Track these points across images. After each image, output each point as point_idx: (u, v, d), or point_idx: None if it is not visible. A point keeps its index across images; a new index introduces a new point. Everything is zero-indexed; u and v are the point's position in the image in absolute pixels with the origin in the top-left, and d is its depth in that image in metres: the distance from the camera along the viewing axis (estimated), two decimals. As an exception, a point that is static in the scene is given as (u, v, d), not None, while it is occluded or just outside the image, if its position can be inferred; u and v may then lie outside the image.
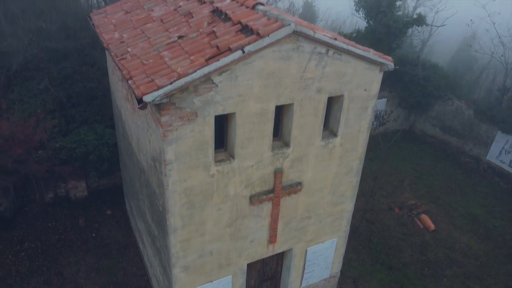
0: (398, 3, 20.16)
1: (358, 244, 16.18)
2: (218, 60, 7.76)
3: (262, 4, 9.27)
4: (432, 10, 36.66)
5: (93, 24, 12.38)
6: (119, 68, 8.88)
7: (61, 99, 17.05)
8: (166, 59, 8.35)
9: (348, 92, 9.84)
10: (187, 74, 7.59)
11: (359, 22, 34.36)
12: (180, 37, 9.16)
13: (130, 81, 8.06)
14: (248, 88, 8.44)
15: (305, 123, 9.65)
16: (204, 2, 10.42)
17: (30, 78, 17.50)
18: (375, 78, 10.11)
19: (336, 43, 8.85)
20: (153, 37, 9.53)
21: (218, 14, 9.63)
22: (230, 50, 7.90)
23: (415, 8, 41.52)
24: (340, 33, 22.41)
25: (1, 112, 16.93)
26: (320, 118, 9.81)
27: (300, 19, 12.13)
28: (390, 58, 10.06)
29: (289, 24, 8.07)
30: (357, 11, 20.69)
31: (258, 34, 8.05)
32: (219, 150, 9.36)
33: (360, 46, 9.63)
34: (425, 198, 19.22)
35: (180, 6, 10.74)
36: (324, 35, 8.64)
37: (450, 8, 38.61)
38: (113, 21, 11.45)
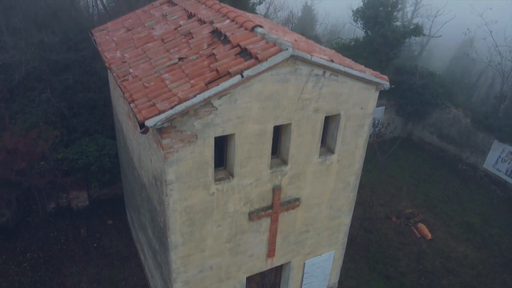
0: (396, 14, 20.39)
1: (355, 253, 16.40)
2: (218, 84, 7.98)
3: (261, 27, 9.49)
4: (429, 20, 36.98)
5: (94, 40, 12.60)
6: (121, 89, 9.10)
7: (63, 110, 17.29)
8: (167, 82, 8.57)
9: (344, 111, 10.07)
10: (188, 99, 7.82)
11: (358, 29, 34.67)
12: (180, 58, 9.38)
13: (132, 105, 8.28)
14: (247, 110, 8.67)
15: (303, 142, 9.88)
16: (204, 22, 10.65)
17: (32, 88, 17.73)
18: (371, 97, 10.34)
19: (333, 65, 9.08)
20: (154, 58, 9.75)
21: (218, 35, 9.86)
22: (229, 74, 8.13)
23: (413, 13, 41.84)
24: (339, 42, 22.65)
25: (3, 122, 17.18)
26: (318, 137, 10.04)
27: (299, 36, 12.39)
28: (386, 77, 10.30)
29: (287, 49, 8.30)
30: (355, 21, 20.93)
31: (256, 58, 8.29)
32: (219, 168, 9.59)
33: (357, 67, 9.88)
34: (422, 206, 19.45)
35: (180, 25, 10.96)
36: (321, 57, 8.87)
37: (449, 12, 38.96)
38: (114, 38, 11.68)
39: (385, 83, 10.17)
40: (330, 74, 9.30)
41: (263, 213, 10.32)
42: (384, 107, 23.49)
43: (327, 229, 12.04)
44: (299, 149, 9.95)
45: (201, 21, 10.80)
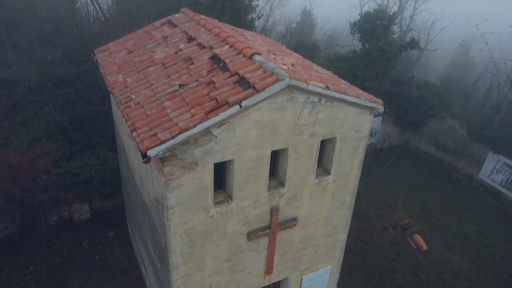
0: (392, 27, 20.71)
1: (352, 265, 16.72)
2: (217, 114, 8.29)
3: (259, 54, 9.80)
4: (427, 24, 37.35)
5: (96, 61, 12.91)
6: (124, 116, 9.41)
7: (64, 123, 17.60)
8: (168, 111, 8.88)
9: (340, 134, 10.38)
10: (188, 129, 8.13)
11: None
12: (181, 85, 9.69)
13: (134, 133, 8.59)
14: (245, 138, 8.98)
15: (300, 165, 10.20)
16: (204, 47, 10.95)
17: (34, 101, 18.04)
18: (366, 120, 10.65)
19: (328, 92, 9.39)
20: (156, 84, 10.05)
21: (217, 61, 10.17)
22: (228, 104, 8.44)
23: (411, 18, 42.19)
24: (336, 53, 22.94)
25: (7, 137, 17.50)
26: (314, 159, 10.35)
27: (296, 57, 12.70)
28: (380, 101, 10.60)
29: (284, 79, 8.61)
30: (352, 34, 21.25)
31: (254, 88, 8.60)
32: (218, 191, 9.90)
33: (352, 92, 10.18)
34: (418, 217, 19.78)
35: (180, 49, 11.26)
36: (316, 86, 9.17)
37: (447, 18, 39.32)
38: (116, 61, 11.98)
39: (380, 107, 10.47)
40: (326, 101, 9.61)
41: (261, 233, 10.64)
42: (381, 117, 23.80)
43: (324, 245, 12.36)
44: (296, 171, 10.27)
45: (201, 46, 11.10)
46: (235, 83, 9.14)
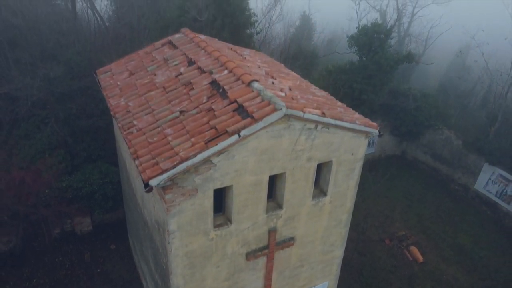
0: (390, 41, 21.03)
1: (349, 277, 17.03)
2: (217, 144, 8.60)
3: (257, 81, 10.09)
4: (425, 30, 37.68)
5: (99, 81, 13.21)
6: (126, 143, 9.71)
7: (66, 138, 17.90)
8: (169, 138, 9.18)
9: (336, 158, 10.69)
10: (189, 158, 8.44)
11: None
12: (181, 112, 10.00)
13: (137, 162, 8.90)
14: (244, 164, 9.29)
15: (297, 188, 10.51)
16: (204, 71, 11.25)
17: (36, 114, 18.32)
18: (361, 144, 10.96)
19: (324, 119, 9.70)
20: (157, 110, 10.35)
21: (217, 87, 10.47)
22: (227, 133, 8.75)
23: (409, 24, 42.47)
24: (334, 65, 23.24)
25: (10, 148, 17.81)
26: (311, 182, 10.66)
27: (294, 78, 12.99)
28: (375, 125, 10.91)
29: (281, 109, 8.92)
30: (350, 47, 21.56)
31: (252, 117, 8.90)
32: (218, 214, 10.21)
33: (348, 117, 10.49)
34: (415, 228, 20.09)
35: (181, 73, 11.56)
36: (313, 113, 9.48)
37: (444, 23, 39.64)
38: (118, 83, 12.28)
39: (375, 131, 10.78)
40: (322, 127, 9.92)
41: (260, 253, 10.95)
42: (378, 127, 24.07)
43: (321, 262, 12.67)
44: (293, 194, 10.58)
45: (201, 70, 11.39)
46: (234, 110, 9.45)
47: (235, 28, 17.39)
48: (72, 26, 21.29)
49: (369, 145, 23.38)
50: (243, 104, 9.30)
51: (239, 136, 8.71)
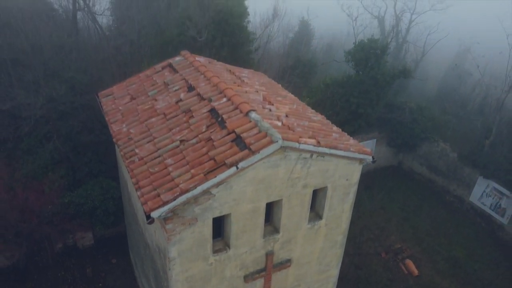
0: (386, 57, 21.40)
1: (346, 291, 17.41)
2: (216, 176, 8.97)
3: (254, 111, 10.44)
4: (423, 36, 38.10)
5: (100, 104, 13.56)
6: (128, 172, 10.06)
7: (68, 154, 18.24)
8: (170, 169, 9.53)
9: (331, 183, 11.06)
10: (189, 190, 8.80)
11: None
12: (181, 141, 10.35)
13: (138, 193, 9.26)
14: (241, 193, 9.65)
15: (293, 213, 10.88)
16: (203, 99, 11.60)
17: (39, 130, 18.65)
18: (356, 169, 11.33)
19: (319, 149, 10.06)
20: (158, 138, 10.69)
21: (215, 115, 10.81)
22: (226, 165, 9.11)
23: (407, 31, 42.87)
24: (332, 78, 23.59)
25: (12, 162, 18.15)
26: (306, 207, 11.03)
27: (291, 102, 13.34)
28: (369, 151, 11.27)
29: (277, 141, 9.28)
30: (347, 62, 21.92)
31: (250, 149, 9.26)
32: (217, 239, 10.57)
33: (342, 144, 10.84)
34: (410, 241, 20.45)
35: (181, 100, 11.92)
36: (308, 144, 9.84)
37: (442, 30, 40.04)
38: (120, 108, 12.64)
39: (368, 158, 11.14)
40: (317, 156, 10.28)
41: (257, 275, 11.32)
42: (375, 139, 24.48)
43: (317, 281, 13.04)
44: (290, 218, 10.95)
45: (200, 97, 11.74)
46: (232, 141, 9.80)
47: (234, 46, 17.75)
48: (74, 41, 21.64)
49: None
50: (241, 135, 9.66)
51: (237, 168, 9.07)
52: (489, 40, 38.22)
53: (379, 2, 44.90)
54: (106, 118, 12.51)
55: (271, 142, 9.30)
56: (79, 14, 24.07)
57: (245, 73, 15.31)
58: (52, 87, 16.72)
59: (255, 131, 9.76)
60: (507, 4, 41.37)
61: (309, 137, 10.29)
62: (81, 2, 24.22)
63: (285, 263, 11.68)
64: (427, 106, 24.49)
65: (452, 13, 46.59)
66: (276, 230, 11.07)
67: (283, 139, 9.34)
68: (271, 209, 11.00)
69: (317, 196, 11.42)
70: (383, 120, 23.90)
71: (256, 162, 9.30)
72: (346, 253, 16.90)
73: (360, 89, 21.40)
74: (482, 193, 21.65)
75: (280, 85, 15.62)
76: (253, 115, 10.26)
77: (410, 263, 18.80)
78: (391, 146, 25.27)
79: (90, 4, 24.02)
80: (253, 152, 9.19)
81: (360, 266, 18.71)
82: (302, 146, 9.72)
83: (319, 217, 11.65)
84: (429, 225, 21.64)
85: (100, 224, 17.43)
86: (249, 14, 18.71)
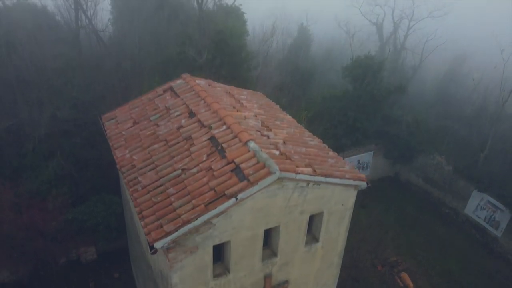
0: (382, 72, 21.85)
1: (343, 305, 17.83)
2: (216, 207, 9.39)
3: (253, 140, 10.85)
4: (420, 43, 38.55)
5: (103, 127, 13.98)
6: (132, 201, 10.48)
7: (71, 170, 18.64)
8: (172, 199, 9.94)
9: (327, 209, 11.48)
10: (190, 221, 9.22)
11: (353, 48, 36.10)
12: (183, 169, 10.77)
13: (142, 223, 9.67)
14: (240, 222, 10.07)
15: (290, 237, 11.30)
16: (204, 126, 12.01)
17: (43, 145, 19.05)
18: (351, 195, 11.76)
19: (315, 178, 10.48)
20: (160, 166, 11.10)
21: (215, 144, 11.21)
22: (225, 196, 9.53)
23: (405, 37, 43.32)
24: (330, 92, 24.02)
25: (16, 179, 18.52)
26: (303, 232, 11.46)
27: (289, 125, 13.74)
28: (363, 177, 11.69)
29: (275, 172, 9.69)
30: (344, 78, 22.36)
31: (248, 180, 9.68)
32: (217, 263, 10.99)
33: (338, 171, 11.26)
34: (406, 253, 20.88)
35: (182, 126, 12.32)
36: (304, 174, 10.25)
37: (440, 37, 40.50)
38: (123, 133, 13.05)
39: (363, 184, 11.56)
40: (313, 184, 10.70)
41: (256, 296, 11.73)
42: (372, 152, 24.90)
43: (314, 300, 13.46)
44: (287, 243, 11.37)
45: (201, 124, 12.14)
46: (231, 171, 10.21)
47: (234, 65, 18.16)
48: (76, 59, 22.03)
49: (363, 168, 24.22)
50: (240, 166, 10.08)
51: (236, 199, 9.49)
52: (486, 47, 38.74)
53: (377, 9, 45.43)
54: (110, 143, 12.92)
55: (269, 173, 9.71)
56: (82, 31, 24.50)
57: (244, 94, 15.71)
58: (55, 106, 17.14)
59: (253, 161, 10.18)
60: (505, 9, 42.09)
61: (306, 165, 10.73)
62: (83, 18, 24.68)
63: (283, 284, 12.09)
64: (423, 119, 24.91)
65: (450, 20, 47.06)
66: (274, 254, 11.48)
67: (281, 170, 9.76)
68: (269, 234, 11.42)
69: (314, 220, 11.84)
70: (380, 133, 24.33)
71: (254, 193, 9.72)
72: (344, 266, 17.29)
73: (357, 103, 21.84)
74: (477, 206, 22.09)
75: (278, 107, 16.00)
76: (251, 144, 10.67)
77: (405, 276, 19.23)
78: (388, 157, 25.71)
79: (92, 20, 24.48)
80: (251, 184, 9.60)
81: (357, 278, 19.14)
82: (299, 176, 10.13)
83: (316, 240, 12.07)
84: (424, 238, 22.07)
85: (103, 239, 17.85)
86: (248, 34, 19.13)
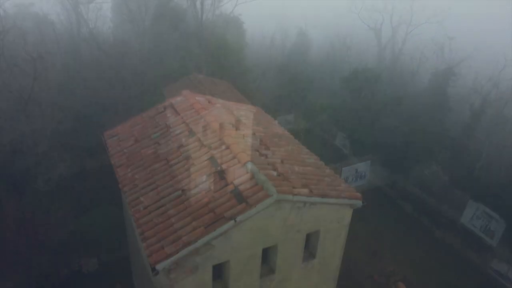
0: (379, 85, 22.21)
1: (340, 315, 18.13)
2: (215, 229, 9.72)
3: (251, 162, 11.17)
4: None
5: (106, 144, 14.30)
6: (134, 221, 10.81)
7: (73, 181, 19.00)
8: (173, 220, 10.28)
9: (323, 227, 11.83)
10: (191, 243, 9.56)
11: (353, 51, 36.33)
12: (183, 190, 11.09)
13: (144, 244, 10.00)
14: (239, 242, 10.41)
15: (288, 255, 11.64)
16: (204, 145, 12.33)
17: (45, 157, 19.39)
18: (347, 213, 12.10)
19: (312, 199, 10.83)
20: (161, 186, 11.43)
21: (215, 164, 11.53)
22: (224, 218, 9.86)
23: (403, 43, 43.62)
24: (328, 104, 24.36)
25: (19, 193, 18.87)
26: (300, 249, 11.80)
27: (286, 141, 14.07)
28: (359, 196, 12.01)
29: (272, 195, 10.03)
30: (341, 89, 22.71)
31: (247, 202, 10.01)
32: (217, 280, 11.31)
33: (334, 191, 11.59)
34: (403, 263, 21.16)
35: (182, 145, 12.65)
36: (301, 195, 10.59)
37: (437, 42, 40.87)
38: (125, 150, 13.38)
39: (358, 203, 11.90)
40: (310, 204, 11.03)
41: (254, 312, 12.06)
42: (370, 161, 25.22)
43: (311, 313, 13.78)
44: (285, 260, 11.71)
45: (201, 143, 12.47)
46: (230, 192, 10.55)
47: (233, 79, 18.49)
48: (78, 66, 22.40)
49: (361, 177, 24.55)
50: (239, 188, 10.42)
51: (235, 221, 9.82)
52: (483, 53, 39.16)
53: (375, 14, 45.81)
54: (112, 161, 13.24)
55: (267, 196, 10.04)
56: (82, 40, 24.90)
57: (243, 110, 16.03)
58: (58, 120, 17.48)
59: (252, 183, 10.52)
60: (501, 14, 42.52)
61: (303, 186, 11.07)
62: (84, 27, 25.09)
63: (281, 300, 12.43)
64: (420, 129, 25.21)
65: (447, 25, 47.40)
66: (272, 271, 11.82)
67: (278, 192, 10.09)
68: (267, 252, 11.75)
69: (311, 238, 12.17)
70: (377, 143, 24.66)
71: (253, 215, 10.05)
72: (340, 276, 17.63)
73: (354, 115, 22.18)
74: (473, 215, 22.39)
75: (276, 122, 16.33)
76: (250, 166, 11.00)
77: (402, 286, 19.53)
78: (385, 166, 26.03)
79: (94, 30, 24.88)
80: (250, 206, 9.93)
81: (354, 289, 19.46)
82: (296, 198, 10.48)
83: (313, 256, 12.41)
84: (421, 247, 22.36)
85: (105, 251, 18.16)
86: (247, 44, 19.46)
